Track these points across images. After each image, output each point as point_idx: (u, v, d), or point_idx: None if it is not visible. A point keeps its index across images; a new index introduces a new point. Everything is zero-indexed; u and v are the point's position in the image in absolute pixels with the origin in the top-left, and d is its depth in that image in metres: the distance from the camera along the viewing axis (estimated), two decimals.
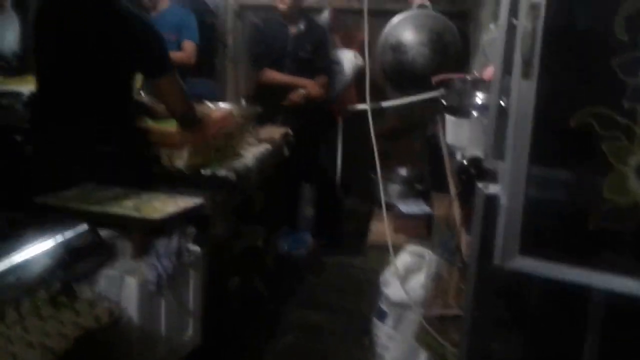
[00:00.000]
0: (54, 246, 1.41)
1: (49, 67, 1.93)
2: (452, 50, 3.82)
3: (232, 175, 2.15)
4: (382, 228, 3.16)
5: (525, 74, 0.99)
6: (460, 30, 3.84)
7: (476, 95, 2.54)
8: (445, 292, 2.43)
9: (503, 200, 1.10)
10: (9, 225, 1.46)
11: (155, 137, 2.10)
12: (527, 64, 0.98)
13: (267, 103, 3.09)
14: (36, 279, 1.32)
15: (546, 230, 1.09)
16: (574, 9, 1.03)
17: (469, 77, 2.99)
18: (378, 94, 3.93)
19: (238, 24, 4.06)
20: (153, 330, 1.54)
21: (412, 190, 3.75)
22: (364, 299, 2.83)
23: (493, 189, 1.53)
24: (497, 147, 1.52)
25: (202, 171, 2.13)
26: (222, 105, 2.79)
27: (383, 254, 2.82)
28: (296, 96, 3.33)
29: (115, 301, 1.43)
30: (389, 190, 3.75)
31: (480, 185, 1.53)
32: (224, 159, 2.27)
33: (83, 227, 1.51)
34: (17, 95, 2.37)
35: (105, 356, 1.33)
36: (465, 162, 2.01)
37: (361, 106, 3.67)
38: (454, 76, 3.10)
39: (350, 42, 3.73)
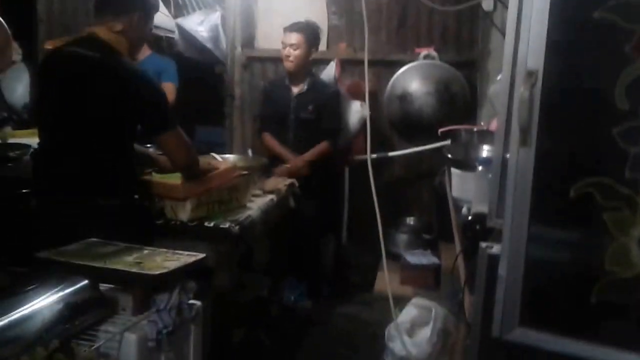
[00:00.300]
0: (53, 302, 1.41)
1: (51, 120, 1.98)
2: (459, 101, 3.86)
3: (235, 228, 2.16)
4: (388, 279, 3.14)
5: (523, 142, 1.00)
6: (468, 80, 3.89)
7: (482, 148, 2.56)
8: (452, 349, 2.39)
9: (502, 271, 1.09)
10: (10, 281, 1.47)
11: (159, 189, 2.12)
12: (524, 132, 1.00)
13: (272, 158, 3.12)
14: (34, 336, 1.32)
15: (547, 301, 1.08)
16: (573, 76, 1.04)
17: (475, 129, 3.03)
18: (385, 144, 3.97)
19: (245, 75, 4.16)
20: None
21: (419, 240, 3.74)
22: (369, 353, 2.78)
23: (497, 249, 1.52)
24: (501, 206, 1.53)
25: (206, 223, 2.14)
26: (228, 157, 2.83)
27: (389, 305, 2.79)
28: (279, 172, 3.13)
29: (114, 358, 1.42)
30: (396, 240, 3.74)
31: (483, 245, 1.52)
32: (228, 211, 2.29)
33: (83, 282, 1.51)
34: (26, 147, 2.41)
35: None
36: (470, 218, 2.00)
37: (365, 156, 3.69)
38: (461, 127, 3.13)
39: (357, 92, 3.79)
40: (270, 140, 3.43)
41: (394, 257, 3.54)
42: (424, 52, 3.87)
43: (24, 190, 1.94)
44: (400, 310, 2.71)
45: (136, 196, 1.99)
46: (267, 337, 2.63)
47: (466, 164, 2.36)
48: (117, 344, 1.46)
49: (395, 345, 2.37)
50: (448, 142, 3.29)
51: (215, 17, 4.47)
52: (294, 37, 3.33)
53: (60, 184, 1.91)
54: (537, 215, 1.01)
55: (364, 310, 3.27)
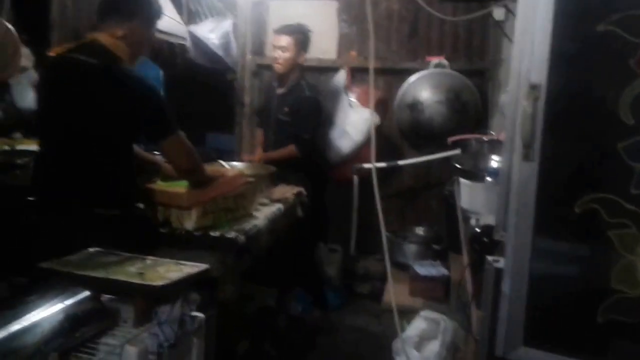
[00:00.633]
0: (53, 314, 1.40)
1: (52, 127, 1.98)
2: (470, 110, 3.82)
3: (241, 238, 2.14)
4: (397, 290, 3.10)
5: (526, 156, 0.98)
6: (479, 89, 3.86)
7: (492, 159, 2.53)
8: None
9: (505, 288, 1.06)
10: (11, 291, 1.47)
11: (164, 197, 2.12)
12: (527, 146, 0.97)
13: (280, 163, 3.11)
14: (32, 349, 1.31)
15: (552, 320, 1.05)
16: (577, 90, 1.02)
17: (485, 138, 2.99)
18: (395, 152, 3.95)
19: (255, 82, 4.17)
20: None
21: (429, 251, 3.70)
22: None
23: (503, 263, 1.49)
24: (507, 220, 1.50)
25: (211, 233, 2.13)
26: (235, 164, 2.83)
27: (398, 317, 2.76)
28: (281, 193, 2.91)
29: None
30: (405, 251, 3.70)
31: (490, 259, 1.49)
32: (235, 220, 2.28)
33: (85, 293, 1.51)
34: (34, 154, 2.42)
35: None
36: (478, 230, 1.98)
37: (376, 164, 3.67)
38: (471, 137, 3.10)
39: (367, 100, 3.77)
40: (258, 135, 3.60)
41: (403, 268, 3.51)
42: (435, 60, 3.85)
43: (30, 199, 1.94)
44: (409, 322, 2.68)
45: (137, 204, 1.99)
46: (273, 348, 2.60)
47: (475, 175, 2.33)
48: (117, 357, 1.45)
49: None
50: (458, 151, 3.26)
51: (227, 24, 4.49)
52: (283, 40, 3.33)
53: (59, 191, 1.91)
54: (541, 231, 0.99)
55: (372, 322, 3.23)
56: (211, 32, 4.46)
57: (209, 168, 2.35)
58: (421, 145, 3.93)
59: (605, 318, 0.96)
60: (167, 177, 2.21)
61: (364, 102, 3.77)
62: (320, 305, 3.32)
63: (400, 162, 3.89)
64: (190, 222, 2.11)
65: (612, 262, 0.94)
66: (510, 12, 3.18)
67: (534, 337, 1.01)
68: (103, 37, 1.95)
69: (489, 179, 2.18)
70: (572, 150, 1.00)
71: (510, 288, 1.04)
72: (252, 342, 2.39)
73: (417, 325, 2.56)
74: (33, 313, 1.39)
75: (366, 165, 3.76)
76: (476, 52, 3.98)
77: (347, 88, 3.76)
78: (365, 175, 3.82)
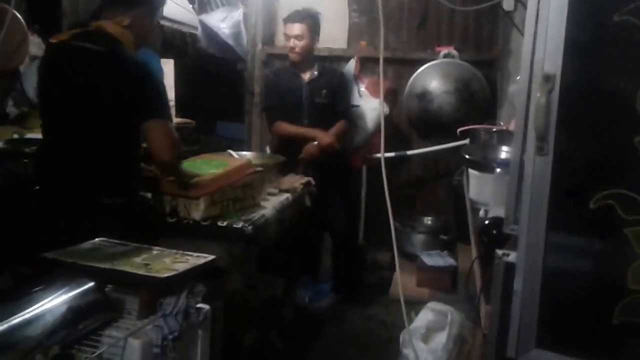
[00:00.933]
0: (56, 306, 1.35)
1: (55, 115, 1.91)
2: (479, 99, 3.74)
3: (248, 228, 2.08)
4: (404, 280, 3.04)
5: (540, 150, 0.90)
6: (488, 79, 3.77)
7: (501, 149, 2.45)
8: (468, 357, 2.29)
9: (517, 286, 0.99)
10: (15, 283, 1.42)
11: (171, 187, 2.06)
12: (541, 139, 0.90)
13: (289, 153, 3.05)
14: (34, 342, 1.26)
15: (566, 321, 0.98)
16: (592, 82, 0.94)
17: (494, 129, 2.91)
18: (403, 142, 3.87)
19: (265, 72, 4.09)
20: None
21: (436, 241, 3.63)
22: (383, 357, 2.70)
23: (514, 257, 1.42)
24: (518, 212, 1.43)
25: (219, 223, 2.07)
26: (245, 154, 2.77)
27: (406, 308, 2.70)
28: (310, 149, 3.20)
29: None
30: (413, 241, 3.64)
31: (499, 252, 1.42)
32: (242, 210, 2.22)
33: (89, 285, 1.46)
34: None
35: None
36: (487, 222, 1.90)
37: (385, 154, 3.60)
38: (480, 127, 3.02)
39: (376, 90, 3.70)
40: (286, 126, 3.33)
41: (411, 258, 3.44)
42: (444, 50, 3.76)
43: (37, 187, 1.89)
44: (416, 313, 2.62)
45: (140, 193, 1.93)
46: (279, 339, 2.55)
47: (484, 166, 2.25)
48: (120, 350, 1.40)
49: (410, 352, 2.27)
50: (467, 141, 3.18)
51: (238, 14, 4.42)
52: (297, 28, 3.25)
53: (61, 180, 1.85)
54: (555, 227, 0.92)
55: (379, 313, 3.17)
56: (222, 22, 4.40)
57: (209, 157, 2.30)
58: (430, 135, 3.86)
59: (622, 320, 0.89)
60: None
61: (373, 91, 3.69)
62: (340, 291, 3.27)
63: (409, 152, 3.82)
64: (198, 212, 2.05)
65: (629, 261, 0.87)
66: (519, 1, 3.07)
67: (547, 338, 0.95)
68: (109, 26, 1.89)
69: (498, 170, 2.10)
70: (587, 144, 0.93)
71: (523, 286, 0.97)
72: (258, 333, 2.34)
73: (424, 317, 2.50)
74: (36, 305, 1.34)
75: (375, 155, 3.69)
76: (485, 43, 3.88)
77: (357, 78, 3.67)
78: (374, 165, 3.75)
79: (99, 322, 1.43)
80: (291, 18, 3.30)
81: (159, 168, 2.01)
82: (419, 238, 3.68)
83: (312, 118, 3.32)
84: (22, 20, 1.71)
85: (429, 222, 3.84)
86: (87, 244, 1.68)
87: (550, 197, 0.91)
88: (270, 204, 2.41)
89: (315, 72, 3.35)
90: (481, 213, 2.19)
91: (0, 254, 1.64)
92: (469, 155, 2.40)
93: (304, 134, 3.27)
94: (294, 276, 3.13)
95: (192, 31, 4.44)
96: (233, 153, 2.71)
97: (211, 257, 1.72)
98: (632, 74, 0.87)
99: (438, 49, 3.79)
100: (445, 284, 3.25)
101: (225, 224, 2.07)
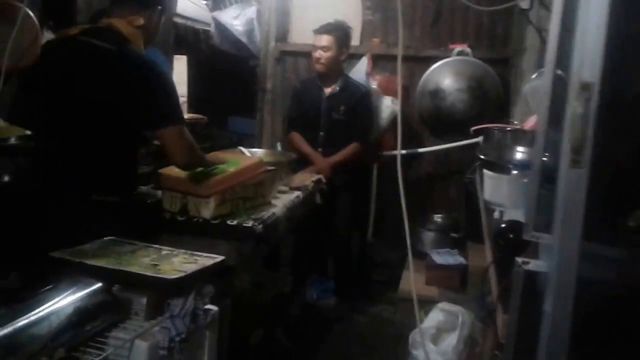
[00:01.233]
0: (63, 307, 1.29)
1: (51, 109, 1.82)
2: (492, 97, 3.65)
3: (258, 227, 2.01)
4: (413, 278, 2.96)
5: (576, 163, 0.82)
6: (501, 77, 3.67)
7: (516, 150, 2.35)
8: (479, 359, 2.21)
9: (548, 306, 0.91)
10: (22, 282, 1.36)
11: (182, 185, 2.00)
12: (577, 151, 0.81)
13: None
14: (39, 345, 1.20)
15: (601, 348, 0.89)
16: (634, 89, 0.85)
17: (508, 128, 2.81)
18: (415, 140, 3.78)
19: (278, 69, 4.01)
20: None
21: (446, 239, 3.54)
22: (391, 356, 2.62)
23: (534, 265, 1.34)
24: (539, 219, 1.34)
25: (229, 221, 2.00)
26: (256, 151, 2.69)
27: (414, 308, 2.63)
28: (299, 179, 2.71)
29: None
30: (423, 238, 3.55)
31: (519, 260, 1.34)
32: (253, 208, 2.15)
33: (97, 285, 1.40)
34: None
35: None
36: (503, 225, 1.82)
37: (396, 152, 3.52)
38: (494, 126, 2.92)
39: (389, 88, 3.60)
40: (298, 140, 3.27)
41: (420, 256, 3.35)
42: (457, 48, 3.66)
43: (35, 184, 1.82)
44: (425, 313, 2.54)
45: (138, 190, 1.87)
46: (286, 337, 2.49)
47: (500, 166, 2.16)
48: (126, 352, 1.34)
49: (420, 353, 2.20)
50: (479, 139, 3.09)
51: (251, 11, 4.35)
52: (325, 39, 3.17)
53: (59, 177, 1.78)
54: (590, 244, 0.83)
55: (388, 310, 3.10)
56: (235, 19, 4.34)
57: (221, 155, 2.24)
58: (442, 133, 3.76)
59: None
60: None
61: (385, 89, 3.60)
62: (341, 293, 3.19)
63: (421, 150, 3.73)
64: (207, 210, 1.98)
65: None
66: (542, 4, 2.94)
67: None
68: (121, 24, 1.82)
69: (514, 171, 2.02)
70: (627, 156, 0.84)
71: (553, 308, 0.89)
72: (266, 331, 2.27)
73: (434, 317, 2.42)
74: (42, 306, 1.28)
75: (386, 153, 3.61)
76: (499, 40, 3.77)
77: (369, 75, 3.58)
78: (384, 162, 3.67)
79: (105, 323, 1.38)
80: (320, 30, 3.22)
81: (184, 170, 1.96)
82: (428, 236, 3.59)
83: (329, 133, 3.23)
84: (35, 18, 1.64)
85: (439, 220, 3.75)
86: (96, 243, 1.62)
87: (586, 213, 0.82)
88: (281, 202, 2.34)
89: (337, 87, 3.24)
90: (496, 214, 2.11)
91: (6, 251, 1.58)
92: (483, 155, 2.31)
93: (307, 154, 3.19)
94: (302, 273, 3.06)
95: (205, 28, 4.38)
96: (244, 150, 2.64)
97: (220, 257, 1.66)
98: None
99: (451, 46, 3.69)
100: (455, 282, 3.16)
101: (235, 222, 2.00)
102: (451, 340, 2.24)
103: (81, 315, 1.32)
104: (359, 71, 3.58)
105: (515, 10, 3.54)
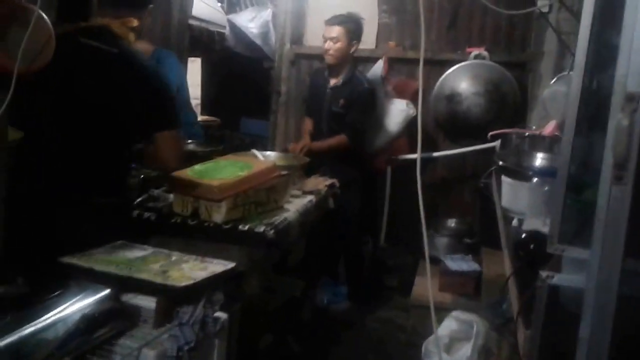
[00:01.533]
0: (68, 315, 1.25)
1: (42, 108, 1.75)
2: (509, 102, 3.57)
3: (270, 232, 1.95)
4: (426, 284, 2.89)
5: (619, 179, 0.75)
6: (519, 81, 3.59)
7: (536, 156, 2.27)
8: None
9: (584, 332, 0.84)
10: (31, 289, 1.32)
11: (193, 189, 1.95)
12: (620, 167, 0.74)
13: (313, 153, 2.92)
14: (45, 354, 1.16)
15: None
16: None
17: (527, 133, 2.73)
18: (429, 144, 3.71)
19: (292, 71, 3.96)
20: None
21: (460, 245, 3.46)
22: None
23: (559, 279, 1.27)
24: (566, 230, 1.27)
25: (240, 226, 1.95)
26: (269, 154, 2.64)
27: (427, 313, 2.55)
28: (313, 184, 2.65)
29: None
30: (436, 244, 3.47)
31: (543, 274, 1.27)
32: (265, 213, 2.09)
33: (105, 292, 1.36)
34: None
35: None
36: (524, 235, 1.74)
37: (410, 156, 3.45)
38: (511, 131, 2.85)
39: (404, 91, 3.54)
40: (307, 124, 3.35)
41: (433, 261, 3.27)
42: (474, 51, 3.58)
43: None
44: (439, 320, 2.47)
45: (127, 193, 1.85)
46: (296, 343, 2.43)
47: (519, 173, 2.08)
48: None
49: None
50: (495, 144, 3.01)
51: (267, 14, 4.31)
52: (334, 30, 3.12)
53: (46, 178, 1.73)
54: (632, 268, 0.76)
55: (400, 316, 3.02)
56: (251, 22, 4.30)
57: (234, 158, 2.20)
58: (457, 137, 3.69)
59: None
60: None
61: (400, 93, 3.53)
62: (353, 298, 3.12)
63: (435, 154, 3.66)
64: (219, 215, 1.93)
65: None
66: (563, 5, 2.85)
67: None
68: (115, 25, 1.77)
69: (534, 179, 1.94)
70: None
71: (590, 333, 0.82)
72: (275, 337, 2.22)
73: (448, 326, 2.35)
74: (50, 313, 1.24)
75: (400, 157, 3.54)
76: (517, 44, 3.69)
77: (385, 79, 3.51)
78: (397, 166, 3.60)
79: (113, 331, 1.33)
80: (330, 20, 3.18)
81: (161, 171, 1.97)
82: (442, 241, 3.51)
83: (330, 124, 3.22)
84: (48, 20, 1.60)
85: (453, 225, 3.66)
86: (106, 248, 1.58)
87: (629, 233, 0.75)
88: (294, 206, 2.28)
89: (341, 80, 3.20)
90: (514, 222, 2.03)
91: (13, 255, 1.54)
92: (502, 161, 2.23)
93: (304, 136, 3.30)
94: (313, 277, 3.00)
95: (220, 30, 4.35)
96: (258, 153, 2.59)
97: (231, 264, 1.60)
98: None
99: (468, 49, 3.62)
100: (469, 289, 3.08)
101: (246, 227, 1.94)
102: (465, 351, 2.17)
103: (89, 323, 1.28)
104: (375, 74, 3.51)
105: (534, 14, 3.46)
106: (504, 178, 2.18)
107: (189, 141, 2.60)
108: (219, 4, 4.42)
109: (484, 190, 3.11)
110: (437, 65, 3.66)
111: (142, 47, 3.01)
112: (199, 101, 4.13)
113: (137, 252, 1.58)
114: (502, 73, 3.56)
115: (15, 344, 1.15)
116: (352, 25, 3.15)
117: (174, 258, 1.58)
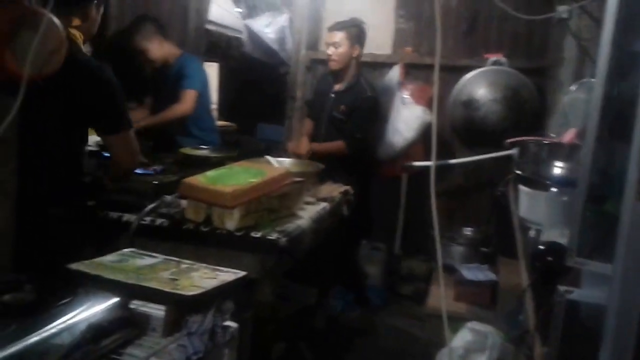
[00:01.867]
0: (75, 324, 1.23)
1: None
2: (527, 109, 3.49)
3: (283, 240, 1.92)
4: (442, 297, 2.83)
5: None
6: (538, 88, 3.51)
7: (554, 165, 2.21)
8: None
9: (604, 356, 0.79)
10: (38, 296, 1.31)
11: (207, 195, 1.92)
12: None
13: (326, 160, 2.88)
14: None
15: None
16: None
17: (546, 141, 2.66)
18: (445, 151, 3.65)
19: (308, 77, 3.94)
20: None
21: (476, 254, 3.39)
22: None
23: (578, 294, 1.22)
24: (585, 243, 1.22)
25: (252, 233, 1.92)
26: (283, 160, 2.61)
27: (442, 323, 2.50)
28: (327, 191, 2.62)
29: None
30: (451, 252, 3.41)
31: (561, 289, 1.22)
32: (278, 220, 2.06)
33: (114, 300, 1.33)
34: None
35: None
36: (541, 247, 1.68)
37: (424, 163, 3.40)
38: (530, 139, 2.78)
39: (420, 97, 3.49)
40: (306, 125, 3.39)
41: (448, 270, 3.22)
42: (492, 57, 3.52)
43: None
44: (453, 330, 2.41)
45: (84, 201, 1.82)
46: (309, 351, 2.39)
47: (537, 183, 2.03)
48: None
49: None
50: (513, 151, 2.94)
51: (283, 19, 4.31)
52: (336, 36, 3.11)
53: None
54: None
55: (414, 326, 2.97)
56: (267, 27, 4.30)
57: (247, 164, 2.17)
58: (474, 144, 3.62)
59: None
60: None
61: (417, 99, 3.49)
62: (362, 304, 3.07)
63: (452, 161, 3.59)
64: (232, 222, 1.90)
65: None
66: (586, 12, 2.78)
67: None
68: None
69: (553, 189, 1.88)
70: None
71: (612, 353, 0.77)
72: (288, 343, 2.18)
73: (463, 337, 2.29)
74: (56, 321, 1.22)
75: (416, 163, 3.48)
76: (536, 50, 3.62)
77: (401, 84, 3.47)
78: (413, 173, 3.54)
79: (120, 340, 1.30)
80: (332, 26, 3.17)
81: (117, 175, 1.92)
82: (457, 250, 3.45)
83: (328, 130, 3.21)
84: (60, 26, 1.58)
85: (469, 234, 3.60)
86: (115, 255, 1.56)
87: None
88: (307, 213, 2.25)
89: (343, 86, 3.17)
90: (532, 233, 1.97)
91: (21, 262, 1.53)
92: (519, 169, 2.18)
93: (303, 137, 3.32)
94: (327, 285, 2.96)
95: (237, 35, 4.35)
96: (272, 159, 2.56)
97: (242, 273, 1.57)
98: None
99: (486, 55, 3.55)
100: (485, 299, 3.02)
101: (259, 235, 1.92)
102: None
103: (95, 332, 1.25)
104: (391, 80, 3.47)
105: (553, 20, 3.38)
106: (521, 187, 2.12)
107: (203, 147, 2.58)
108: (237, 10, 4.42)
109: (501, 199, 3.04)
110: (455, 71, 3.60)
111: (170, 50, 3.03)
112: (215, 106, 4.12)
113: (146, 260, 1.56)
114: (520, 79, 3.49)
115: (20, 352, 1.13)
116: (353, 30, 3.13)
117: (183, 266, 1.55)
